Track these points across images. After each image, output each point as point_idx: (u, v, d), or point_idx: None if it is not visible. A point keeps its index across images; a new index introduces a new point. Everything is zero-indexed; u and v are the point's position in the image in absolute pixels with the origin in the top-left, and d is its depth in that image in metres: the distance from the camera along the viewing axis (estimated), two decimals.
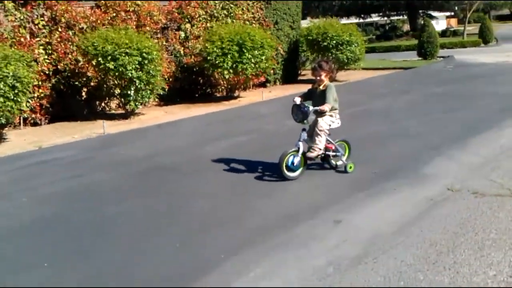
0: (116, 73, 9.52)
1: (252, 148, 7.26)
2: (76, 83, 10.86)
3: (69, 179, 6.18)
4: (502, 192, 4.69)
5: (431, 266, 3.40)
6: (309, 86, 5.83)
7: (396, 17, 50.63)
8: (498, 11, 73.55)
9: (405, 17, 49.34)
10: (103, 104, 11.76)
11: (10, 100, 8.05)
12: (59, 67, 10.45)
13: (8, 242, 4.35)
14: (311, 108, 5.35)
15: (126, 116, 10.46)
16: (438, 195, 4.80)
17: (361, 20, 47.10)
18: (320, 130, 5.43)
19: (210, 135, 8.33)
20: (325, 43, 14.07)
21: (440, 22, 54.49)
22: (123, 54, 9.43)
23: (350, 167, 5.65)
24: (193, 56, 12.74)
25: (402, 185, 5.16)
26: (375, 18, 49.52)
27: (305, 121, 5.38)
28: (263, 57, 11.61)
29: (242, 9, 13.72)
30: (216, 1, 13.16)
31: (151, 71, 9.92)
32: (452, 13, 55.19)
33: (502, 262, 3.35)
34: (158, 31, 12.06)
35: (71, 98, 11.00)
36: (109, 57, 9.38)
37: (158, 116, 10.46)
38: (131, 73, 9.59)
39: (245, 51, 11.20)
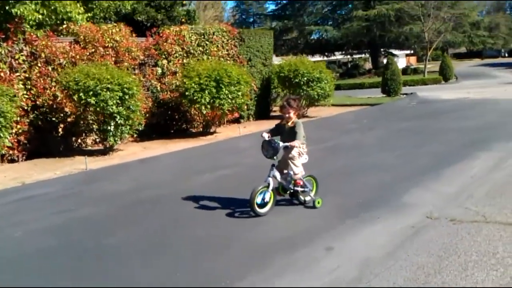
0: (97, 108, 9.66)
1: (233, 181, 7.49)
2: (53, 119, 10.91)
3: (59, 213, 6.25)
4: (477, 218, 5.07)
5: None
6: None
7: (358, 55, 52.38)
8: (456, 49, 76.68)
9: (367, 55, 51.15)
10: (79, 140, 11.80)
11: None
12: (37, 102, 10.52)
13: (9, 273, 4.42)
14: (281, 144, 5.52)
15: (104, 152, 10.53)
16: (419, 222, 5.13)
17: (325, 58, 48.52)
18: (292, 158, 5.64)
19: (193, 170, 8.53)
20: (296, 80, 14.57)
21: (400, 60, 56.67)
22: (105, 90, 9.60)
23: (318, 202, 5.81)
24: (169, 92, 12.99)
25: (384, 214, 5.48)
26: (338, 56, 51.10)
27: (274, 157, 5.54)
28: (240, 93, 11.98)
29: (217, 46, 14.15)
30: (192, 38, 13.54)
31: (131, 107, 10.11)
32: (412, 51, 57.46)
33: (485, 281, 3.68)
34: (136, 67, 12.31)
35: (47, 134, 11.01)
36: (91, 92, 9.53)
37: (137, 151, 10.59)
38: (112, 108, 9.74)
39: (222, 86, 11.55)
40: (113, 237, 5.21)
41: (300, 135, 5.58)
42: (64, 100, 10.71)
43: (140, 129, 10.85)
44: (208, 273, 4.19)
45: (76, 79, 9.62)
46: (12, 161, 10.16)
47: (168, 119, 13.30)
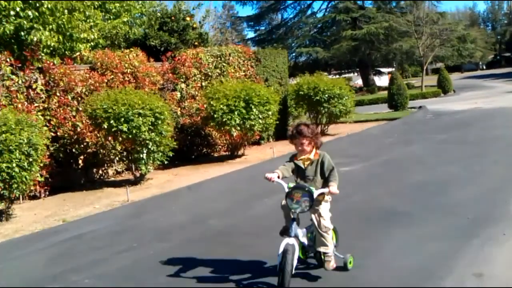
0: (130, 136, 8.91)
1: None
2: (74, 150, 10.10)
3: (123, 253, 5.46)
4: None
5: None
6: None
7: (345, 75, 52.46)
8: (433, 65, 77.72)
9: (350, 74, 51.14)
10: (100, 172, 10.99)
11: (25, 169, 7.27)
12: (58, 133, 9.72)
13: None
14: (317, 191, 3.97)
15: (135, 182, 9.72)
16: None
17: None
18: (325, 231, 4.05)
19: (247, 195, 7.80)
20: (317, 97, 14.04)
21: (382, 78, 57.08)
22: (136, 115, 8.88)
23: (350, 262, 4.23)
24: (188, 117, 12.33)
25: (506, 229, 4.87)
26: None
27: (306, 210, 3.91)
28: (270, 112, 11.34)
29: (234, 67, 13.56)
30: (209, 60, 12.94)
31: (163, 132, 9.39)
32: (394, 69, 58.03)
33: None
34: (156, 91, 11.60)
35: (67, 167, 10.20)
36: (122, 119, 8.79)
37: (170, 179, 9.81)
38: (144, 135, 9.01)
39: (252, 107, 10.89)
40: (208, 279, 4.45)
41: (336, 174, 4.07)
42: (84, 130, 9.98)
43: (171, 155, 10.06)
44: None
45: (104, 106, 8.87)
46: (33, 197, 9.28)
47: (189, 145, 12.56)
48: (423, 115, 18.00)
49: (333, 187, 3.94)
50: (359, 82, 47.78)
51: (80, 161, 10.44)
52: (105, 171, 11.05)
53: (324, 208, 4.08)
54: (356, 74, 50.21)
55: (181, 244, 5.61)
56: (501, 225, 4.99)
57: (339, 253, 4.24)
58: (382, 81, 54.95)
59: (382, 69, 54.61)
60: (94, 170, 10.91)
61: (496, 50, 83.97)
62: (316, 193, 3.91)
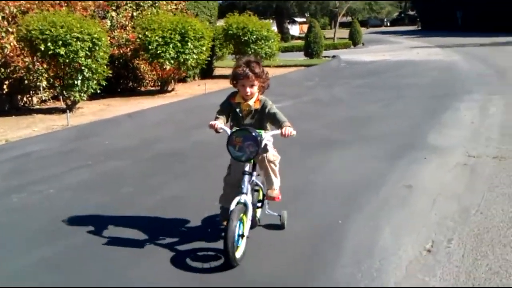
0: (66, 60, 8.77)
1: None
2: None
3: (80, 169, 5.67)
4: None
5: None
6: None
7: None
8: (343, 19, 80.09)
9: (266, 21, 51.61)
10: (25, 99, 10.71)
11: None
12: None
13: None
14: (267, 133, 3.37)
15: (65, 110, 9.60)
16: (466, 160, 5.43)
17: None
18: (273, 161, 3.52)
19: (189, 123, 8.17)
20: (245, 38, 14.38)
21: (293, 27, 58.34)
22: (75, 39, 8.73)
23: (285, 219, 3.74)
24: (117, 47, 12.17)
25: (427, 154, 5.72)
26: None
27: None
28: (204, 48, 11.55)
29: (166, 0, 13.45)
30: None
31: (99, 59, 9.34)
32: (304, 20, 59.32)
33: None
34: (88, 17, 11.28)
35: None
36: (60, 42, 8.61)
37: (103, 109, 9.85)
38: (81, 60, 8.92)
39: (188, 40, 11.03)
40: (174, 188, 4.87)
41: (283, 116, 3.38)
42: (12, 54, 9.66)
43: (104, 84, 10.02)
44: (315, 215, 4.10)
45: (41, 28, 8.61)
46: None
47: (116, 77, 12.44)
48: (337, 63, 19.04)
49: (289, 128, 3.26)
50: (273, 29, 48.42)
51: (5, 87, 10.11)
52: (29, 98, 10.78)
53: (275, 153, 3.56)
54: (271, 21, 50.68)
55: (136, 162, 5.91)
56: (422, 152, 5.85)
57: (271, 210, 3.73)
58: (293, 30, 56.37)
59: (296, 19, 55.76)
60: (19, 97, 10.62)
61: (401, 8, 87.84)
62: (266, 136, 3.30)
